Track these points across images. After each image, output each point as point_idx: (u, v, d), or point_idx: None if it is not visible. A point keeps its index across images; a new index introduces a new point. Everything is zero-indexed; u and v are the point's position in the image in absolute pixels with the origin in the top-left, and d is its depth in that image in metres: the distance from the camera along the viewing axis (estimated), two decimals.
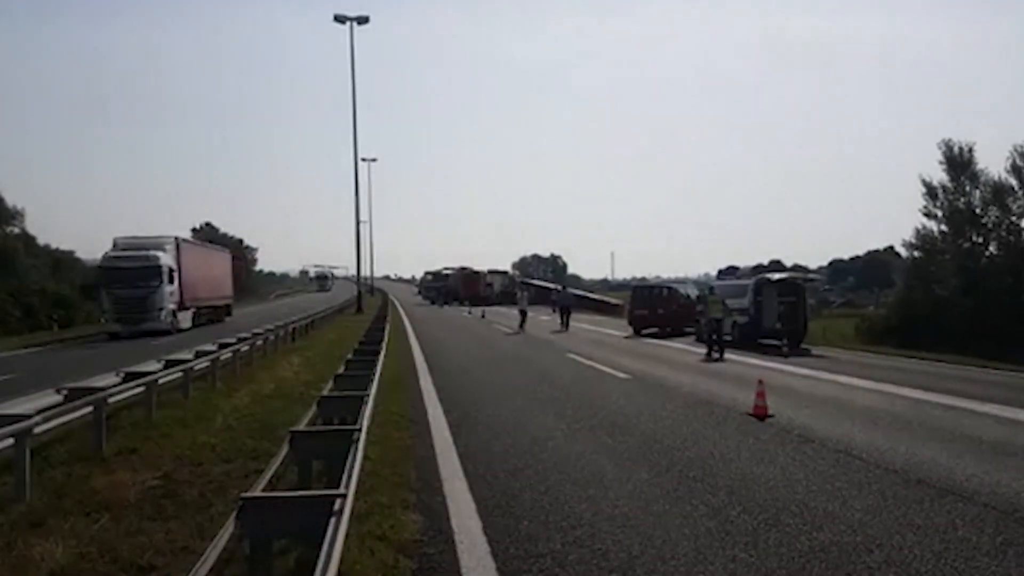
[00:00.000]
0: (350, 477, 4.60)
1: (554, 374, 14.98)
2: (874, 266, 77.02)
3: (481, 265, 64.58)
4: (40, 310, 35.53)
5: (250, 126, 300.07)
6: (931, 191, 29.35)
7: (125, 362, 12.53)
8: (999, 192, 27.81)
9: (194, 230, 75.52)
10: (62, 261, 47.29)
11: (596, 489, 6.23)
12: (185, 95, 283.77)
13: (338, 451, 5.34)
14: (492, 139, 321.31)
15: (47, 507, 5.85)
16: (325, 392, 8.12)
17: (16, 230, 44.24)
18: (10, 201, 43.89)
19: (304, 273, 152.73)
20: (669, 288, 29.25)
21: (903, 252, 34.52)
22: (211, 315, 35.59)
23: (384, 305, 44.65)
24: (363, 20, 43.03)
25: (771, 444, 8.08)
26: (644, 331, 27.17)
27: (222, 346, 14.73)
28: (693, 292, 28.09)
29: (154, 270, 29.00)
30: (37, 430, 6.56)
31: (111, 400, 8.42)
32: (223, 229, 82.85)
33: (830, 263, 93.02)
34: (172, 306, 29.62)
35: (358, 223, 49.87)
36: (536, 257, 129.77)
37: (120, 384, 9.36)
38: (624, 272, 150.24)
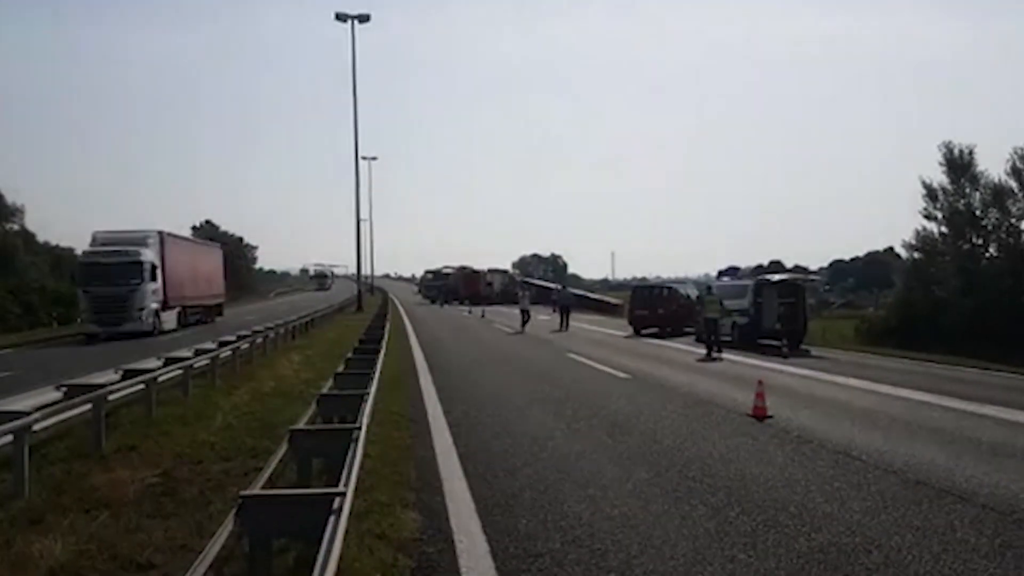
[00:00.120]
0: (350, 475, 4.60)
1: (554, 374, 14.98)
2: (874, 267, 77.04)
3: (481, 264, 64.79)
4: (40, 307, 35.52)
5: (251, 124, 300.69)
6: (931, 193, 29.40)
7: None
8: (999, 194, 27.84)
9: (194, 228, 75.55)
10: (62, 258, 47.26)
11: (595, 489, 6.23)
12: (186, 93, 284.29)
13: (338, 450, 5.34)
14: (493, 138, 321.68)
15: (46, 504, 5.84)
16: (325, 391, 8.12)
17: (16, 227, 44.32)
18: (10, 199, 44.00)
19: (304, 271, 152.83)
20: (669, 288, 29.31)
21: (903, 253, 34.55)
22: (200, 315, 33.93)
23: (384, 304, 44.66)
24: (364, 18, 43.11)
25: (770, 444, 8.08)
26: (644, 331, 27.20)
27: (222, 344, 14.72)
28: (693, 292, 28.14)
29: (135, 267, 27.09)
30: (36, 427, 6.55)
31: (111, 398, 8.41)
32: (223, 227, 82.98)
33: (830, 264, 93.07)
34: (155, 305, 27.73)
35: (358, 221, 50.07)
36: (536, 256, 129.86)
37: (120, 381, 9.36)
38: (624, 272, 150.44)
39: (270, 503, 4.03)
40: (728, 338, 20.93)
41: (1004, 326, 23.60)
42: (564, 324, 29.30)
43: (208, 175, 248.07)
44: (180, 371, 11.24)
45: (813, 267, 79.70)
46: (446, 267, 70.43)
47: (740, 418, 9.68)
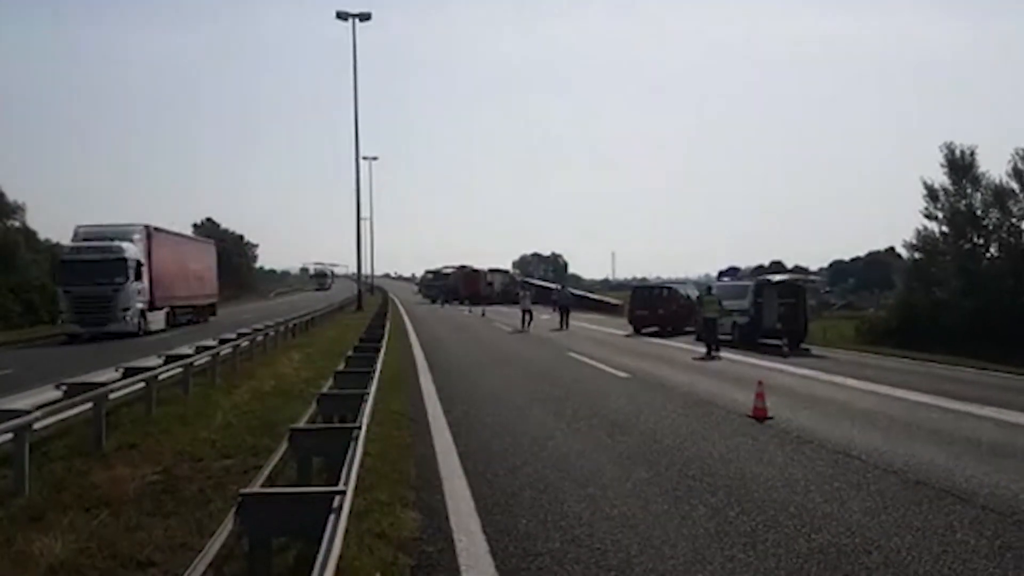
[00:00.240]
0: (350, 474, 4.60)
1: (554, 373, 14.98)
2: (875, 267, 77.08)
3: (482, 264, 64.78)
4: (41, 306, 35.46)
5: (251, 124, 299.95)
6: (932, 193, 29.37)
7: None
8: (1000, 195, 27.84)
9: (195, 226, 75.73)
10: None
11: (595, 488, 6.23)
12: (186, 93, 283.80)
13: (338, 449, 5.34)
14: (493, 138, 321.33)
15: (46, 502, 5.85)
16: (325, 390, 8.12)
17: (17, 224, 44.30)
18: (11, 196, 43.99)
19: (304, 270, 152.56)
20: (669, 288, 29.45)
21: (904, 253, 34.54)
22: (192, 315, 32.53)
23: (384, 303, 44.68)
24: (365, 17, 43.16)
25: (770, 444, 8.08)
26: (644, 330, 27.23)
27: (222, 341, 14.73)
28: (693, 292, 28.22)
29: (118, 264, 25.43)
30: (36, 425, 6.56)
31: (111, 396, 8.42)
32: (224, 225, 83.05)
33: (831, 264, 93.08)
34: (140, 305, 26.14)
35: (359, 221, 50.15)
36: (536, 256, 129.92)
37: (120, 380, 9.36)
38: (625, 272, 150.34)
39: (270, 501, 4.03)
40: (728, 337, 20.95)
41: (1005, 326, 23.58)
42: (564, 323, 29.34)
43: (209, 174, 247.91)
44: (180, 369, 11.25)
45: (813, 267, 79.84)
46: (446, 267, 70.43)
47: (740, 418, 9.67)
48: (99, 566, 4.57)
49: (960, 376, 15.63)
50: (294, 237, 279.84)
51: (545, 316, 34.29)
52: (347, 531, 3.89)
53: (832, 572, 4.43)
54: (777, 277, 25.36)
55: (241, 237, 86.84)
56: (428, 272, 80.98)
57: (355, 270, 62.66)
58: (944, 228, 29.24)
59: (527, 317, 29.49)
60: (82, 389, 8.01)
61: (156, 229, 29.13)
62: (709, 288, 23.15)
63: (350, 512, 4.03)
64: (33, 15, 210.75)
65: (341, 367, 10.48)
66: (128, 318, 25.45)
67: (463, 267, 64.65)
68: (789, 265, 63.87)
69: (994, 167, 28.56)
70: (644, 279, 74.98)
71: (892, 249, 64.78)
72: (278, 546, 4.32)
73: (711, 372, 15.55)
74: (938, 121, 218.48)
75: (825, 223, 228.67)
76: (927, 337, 23.38)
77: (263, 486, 4.66)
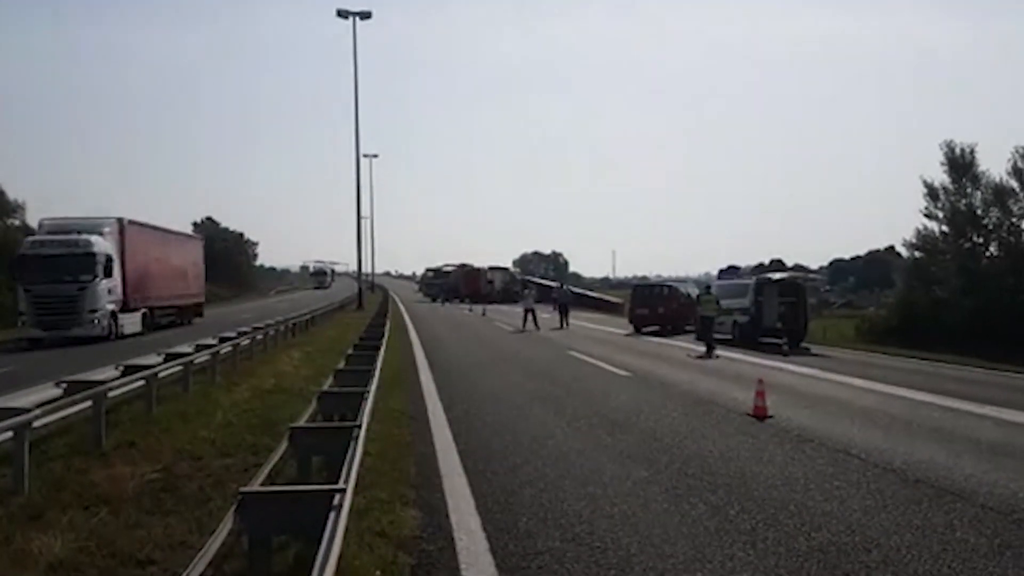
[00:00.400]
0: (350, 472, 4.60)
1: (555, 371, 14.98)
2: (875, 266, 76.95)
3: (482, 262, 64.74)
4: None
5: (251, 123, 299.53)
6: (932, 192, 29.31)
7: None
8: (1000, 194, 27.77)
9: (195, 224, 75.62)
10: None
11: (595, 487, 6.23)
12: (186, 93, 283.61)
13: (338, 447, 5.34)
14: (493, 137, 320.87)
15: (46, 500, 5.85)
16: (325, 388, 8.12)
17: (17, 223, 44.25)
18: (11, 195, 43.95)
19: (305, 269, 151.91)
20: (669, 287, 29.51)
21: (904, 252, 34.48)
22: (174, 316, 29.88)
23: (385, 302, 44.69)
24: (366, 15, 43.13)
25: (770, 443, 8.08)
26: (645, 329, 27.24)
27: (222, 340, 14.73)
28: (693, 291, 28.18)
29: (85, 259, 22.61)
30: (36, 423, 6.56)
31: (111, 394, 8.42)
32: (224, 223, 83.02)
33: (831, 263, 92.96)
34: (111, 306, 23.36)
35: (359, 219, 50.04)
36: (537, 255, 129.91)
37: (120, 378, 9.36)
38: (625, 271, 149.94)
39: (270, 500, 4.03)
40: (728, 336, 20.97)
41: (1005, 325, 23.55)
42: (564, 322, 29.30)
43: (209, 173, 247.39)
44: (180, 367, 11.25)
45: (813, 266, 79.64)
46: (447, 265, 70.45)
47: (740, 416, 9.67)
48: (98, 564, 4.57)
49: (960, 375, 15.63)
50: (294, 235, 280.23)
51: (545, 315, 34.28)
52: (347, 529, 3.89)
53: (832, 570, 4.43)
54: (777, 276, 25.34)
55: (241, 235, 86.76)
56: (429, 270, 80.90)
57: (356, 268, 62.67)
58: (944, 227, 29.18)
59: (530, 316, 28.59)
60: (82, 387, 8.02)
61: (131, 222, 26.50)
62: (708, 287, 23.17)
63: (350, 510, 4.03)
64: (33, 15, 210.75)
65: (341, 365, 10.49)
66: (96, 321, 22.71)
67: (464, 265, 64.65)
68: (789, 264, 63.76)
69: (994, 166, 28.52)
70: (644, 278, 74.88)
71: (892, 248, 64.72)
72: (278, 544, 4.32)
73: (711, 371, 15.55)
74: (938, 120, 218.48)
75: (825, 222, 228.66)
76: (927, 336, 23.37)
77: (263, 484, 4.67)
